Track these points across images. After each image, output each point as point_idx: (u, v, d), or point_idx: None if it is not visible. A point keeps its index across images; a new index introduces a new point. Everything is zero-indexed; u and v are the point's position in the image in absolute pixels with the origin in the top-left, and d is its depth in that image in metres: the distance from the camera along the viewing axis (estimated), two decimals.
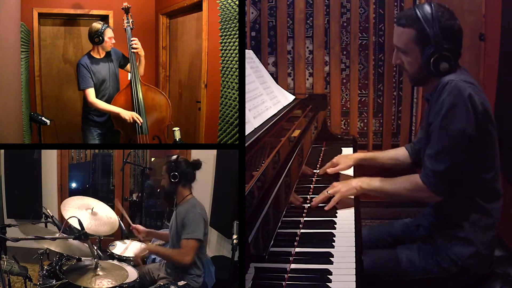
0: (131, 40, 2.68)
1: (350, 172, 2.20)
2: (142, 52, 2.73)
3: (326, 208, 1.79)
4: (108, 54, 2.77)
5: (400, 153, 2.10)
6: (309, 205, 1.84)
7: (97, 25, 2.66)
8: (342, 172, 2.17)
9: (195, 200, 2.20)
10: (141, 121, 2.64)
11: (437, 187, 1.60)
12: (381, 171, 2.00)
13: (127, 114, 2.63)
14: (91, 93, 2.66)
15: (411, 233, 1.91)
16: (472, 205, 1.62)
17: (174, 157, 2.21)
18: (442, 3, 1.68)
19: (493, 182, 1.63)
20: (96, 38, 2.66)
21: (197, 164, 2.22)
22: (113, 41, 2.73)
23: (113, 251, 2.33)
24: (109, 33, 2.69)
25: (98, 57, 2.73)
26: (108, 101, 2.73)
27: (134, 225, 2.44)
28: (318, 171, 1.97)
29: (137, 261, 2.27)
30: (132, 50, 2.68)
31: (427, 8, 1.60)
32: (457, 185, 1.61)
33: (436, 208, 1.77)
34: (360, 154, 2.21)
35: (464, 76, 1.60)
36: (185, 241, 2.09)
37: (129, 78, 2.75)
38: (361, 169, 2.22)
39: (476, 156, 1.58)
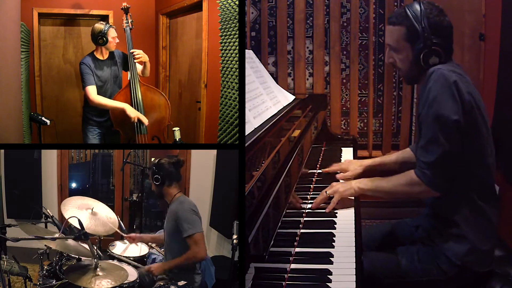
0: (132, 53, 2.67)
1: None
2: (145, 58, 2.73)
3: (326, 210, 1.80)
4: (111, 55, 2.75)
5: (406, 155, 2.09)
6: (309, 206, 1.84)
7: (100, 25, 2.63)
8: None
9: (183, 197, 2.22)
10: (146, 122, 2.63)
11: (431, 180, 1.60)
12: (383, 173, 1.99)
13: (133, 112, 2.61)
14: (93, 90, 2.63)
15: (410, 234, 1.90)
16: (468, 203, 1.62)
17: (156, 160, 2.23)
18: (442, 3, 1.69)
19: (487, 180, 1.63)
20: (100, 39, 2.63)
21: (178, 162, 2.24)
22: (117, 40, 2.71)
23: (113, 251, 2.34)
24: (112, 33, 2.67)
25: (101, 58, 2.71)
26: None
27: (127, 235, 2.46)
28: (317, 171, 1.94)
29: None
30: (135, 61, 2.68)
31: (416, 6, 1.64)
32: (451, 180, 1.60)
33: (433, 206, 1.77)
34: (368, 161, 2.19)
35: (453, 67, 1.62)
36: (190, 239, 2.10)
37: (128, 78, 2.75)
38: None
39: (466, 149, 1.57)
